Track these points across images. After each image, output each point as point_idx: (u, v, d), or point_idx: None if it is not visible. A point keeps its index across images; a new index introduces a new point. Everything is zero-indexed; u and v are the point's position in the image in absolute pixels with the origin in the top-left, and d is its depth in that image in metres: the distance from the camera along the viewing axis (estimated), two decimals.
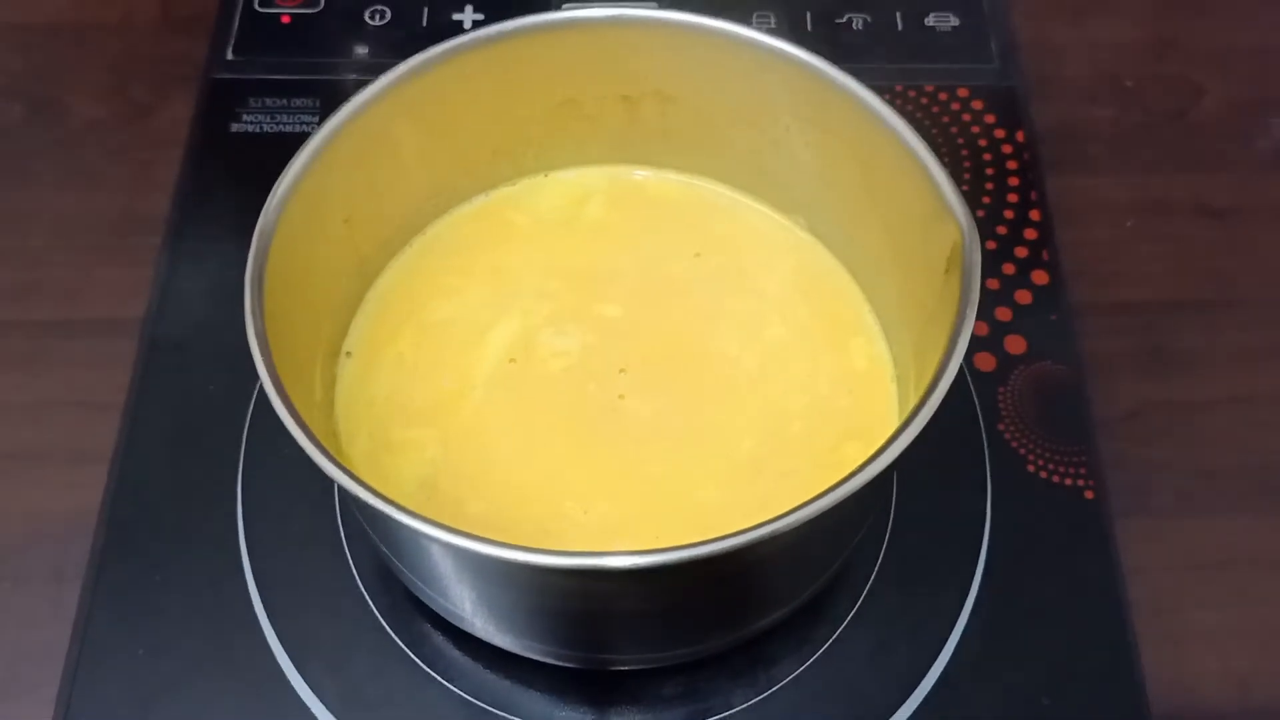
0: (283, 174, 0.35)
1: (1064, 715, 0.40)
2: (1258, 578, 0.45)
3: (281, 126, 0.51)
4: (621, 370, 0.41)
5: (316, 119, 0.51)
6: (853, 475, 0.31)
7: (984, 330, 0.47)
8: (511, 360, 0.41)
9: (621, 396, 0.40)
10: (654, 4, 0.40)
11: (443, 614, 0.38)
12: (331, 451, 0.32)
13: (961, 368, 0.33)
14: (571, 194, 0.45)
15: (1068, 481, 0.44)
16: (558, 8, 0.40)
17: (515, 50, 0.39)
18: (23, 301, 0.51)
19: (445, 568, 0.34)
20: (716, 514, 0.37)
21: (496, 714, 0.39)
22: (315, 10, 0.55)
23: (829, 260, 0.43)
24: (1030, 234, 0.50)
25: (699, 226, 0.44)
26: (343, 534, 0.42)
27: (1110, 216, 0.54)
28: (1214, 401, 0.49)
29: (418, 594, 0.38)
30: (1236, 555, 0.46)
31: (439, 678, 0.40)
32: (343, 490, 0.31)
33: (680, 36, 0.40)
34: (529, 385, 0.40)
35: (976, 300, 0.33)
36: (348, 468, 0.31)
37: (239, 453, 0.44)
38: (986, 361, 0.46)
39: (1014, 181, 0.51)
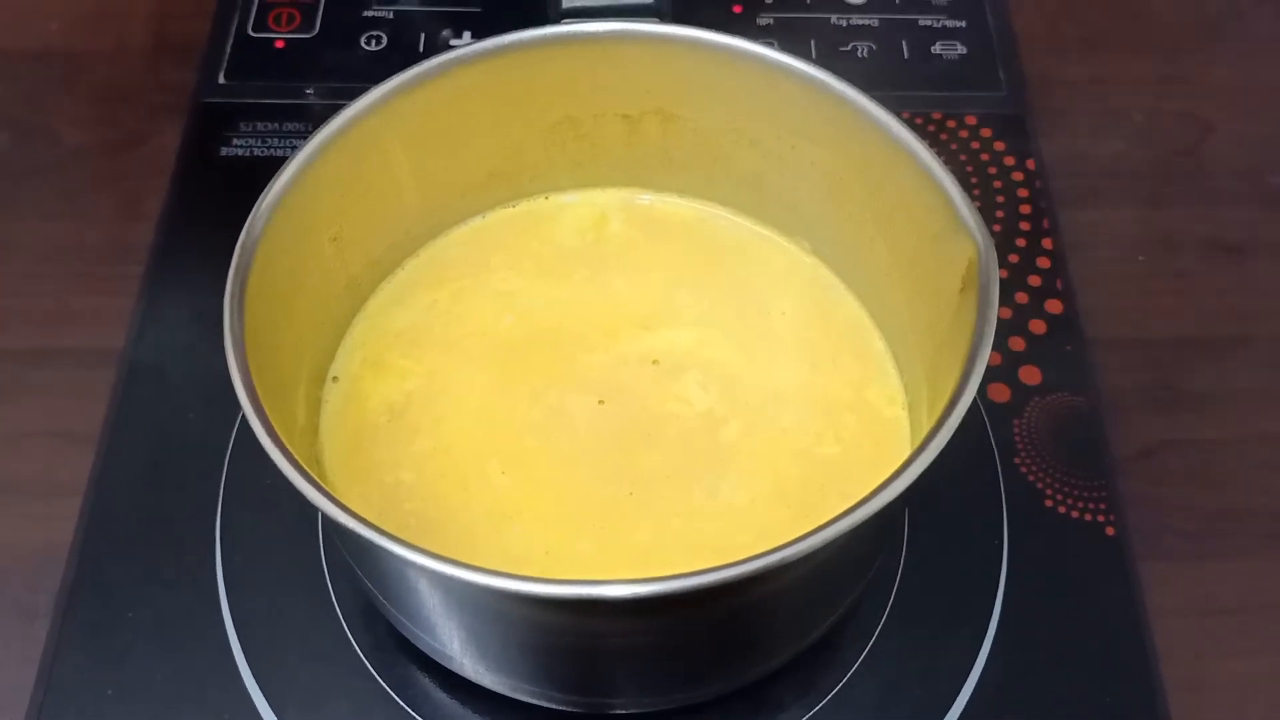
0: (268, 187, 0.34)
1: None
2: (1277, 624, 0.43)
3: (271, 150, 0.49)
4: (613, 366, 0.40)
5: None
6: (862, 503, 0.29)
7: (997, 360, 0.45)
8: (528, 337, 0.41)
9: (601, 402, 0.39)
10: (655, 20, 0.39)
11: (430, 653, 0.36)
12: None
13: (975, 398, 0.31)
14: (588, 216, 0.43)
15: (1087, 517, 0.42)
16: (556, 23, 0.39)
17: (512, 66, 0.38)
18: (2, 330, 0.50)
19: (432, 600, 0.32)
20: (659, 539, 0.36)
21: None
22: (310, 35, 0.53)
23: (836, 285, 0.42)
24: (1043, 262, 0.48)
25: (705, 251, 0.43)
26: (326, 570, 0.40)
27: (1121, 251, 0.53)
28: (1229, 442, 0.48)
29: (404, 632, 0.36)
30: (1256, 600, 0.44)
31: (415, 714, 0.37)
32: (326, 519, 0.29)
33: (684, 52, 0.38)
34: (529, 359, 0.40)
35: (995, 318, 0.32)
36: (331, 493, 0.29)
37: (219, 485, 0.42)
38: (1001, 393, 0.45)
39: (1025, 209, 0.50)
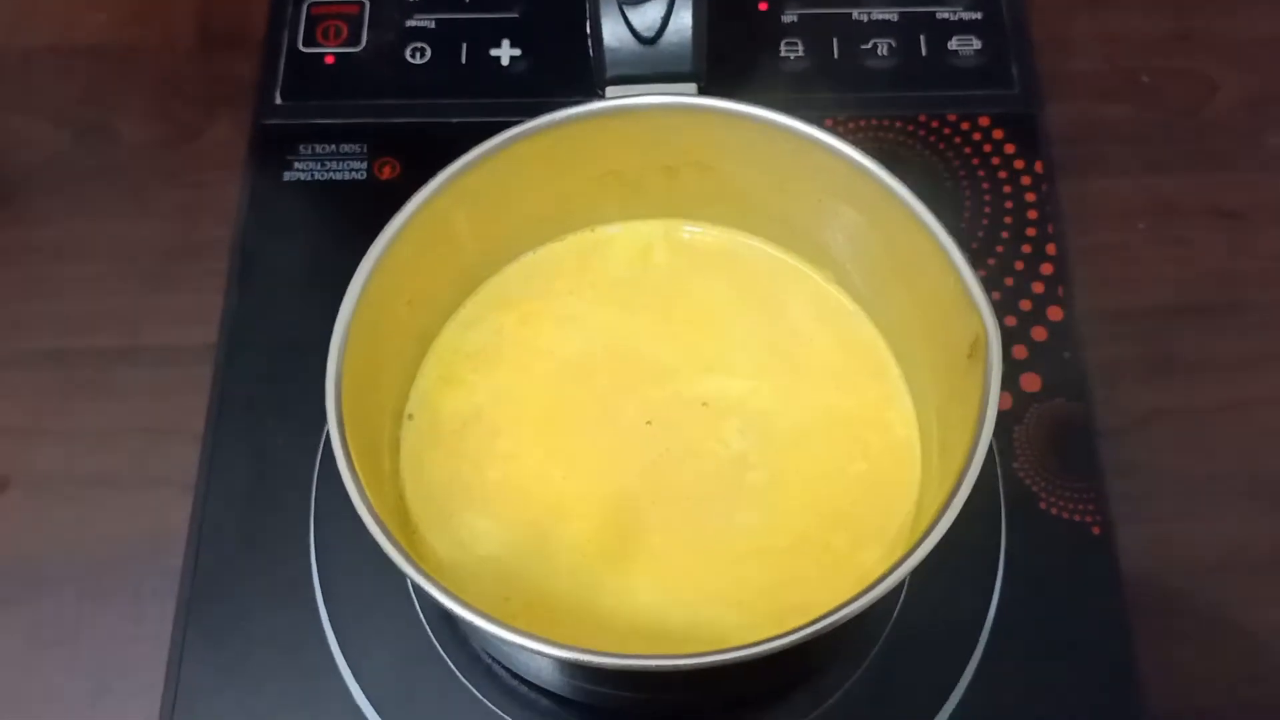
0: (351, 283, 0.38)
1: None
2: (1257, 581, 0.48)
3: (331, 174, 0.53)
4: (667, 400, 0.44)
5: (364, 165, 0.53)
6: (873, 586, 0.35)
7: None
8: (593, 360, 0.45)
9: (649, 423, 0.44)
10: (694, 86, 0.42)
11: (504, 660, 0.42)
12: (401, 522, 0.35)
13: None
14: (633, 247, 0.47)
15: (1076, 518, 0.47)
16: (601, 89, 0.42)
17: (564, 136, 0.42)
18: (86, 330, 0.53)
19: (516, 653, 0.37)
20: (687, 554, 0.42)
21: None
22: (357, 49, 0.56)
23: (858, 314, 0.46)
24: (1046, 269, 0.52)
25: (743, 279, 0.47)
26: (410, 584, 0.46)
27: (1123, 219, 0.56)
28: (1222, 407, 0.51)
29: (478, 645, 0.42)
30: (1238, 559, 0.48)
31: (497, 710, 0.44)
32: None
33: (720, 122, 0.42)
34: (592, 379, 0.45)
35: (996, 402, 0.36)
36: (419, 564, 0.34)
37: (309, 506, 0.47)
38: (1004, 400, 0.49)
39: (1033, 215, 0.53)
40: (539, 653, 0.33)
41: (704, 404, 0.44)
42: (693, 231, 0.47)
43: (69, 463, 0.51)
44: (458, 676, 0.44)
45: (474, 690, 0.44)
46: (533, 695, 0.44)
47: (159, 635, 0.46)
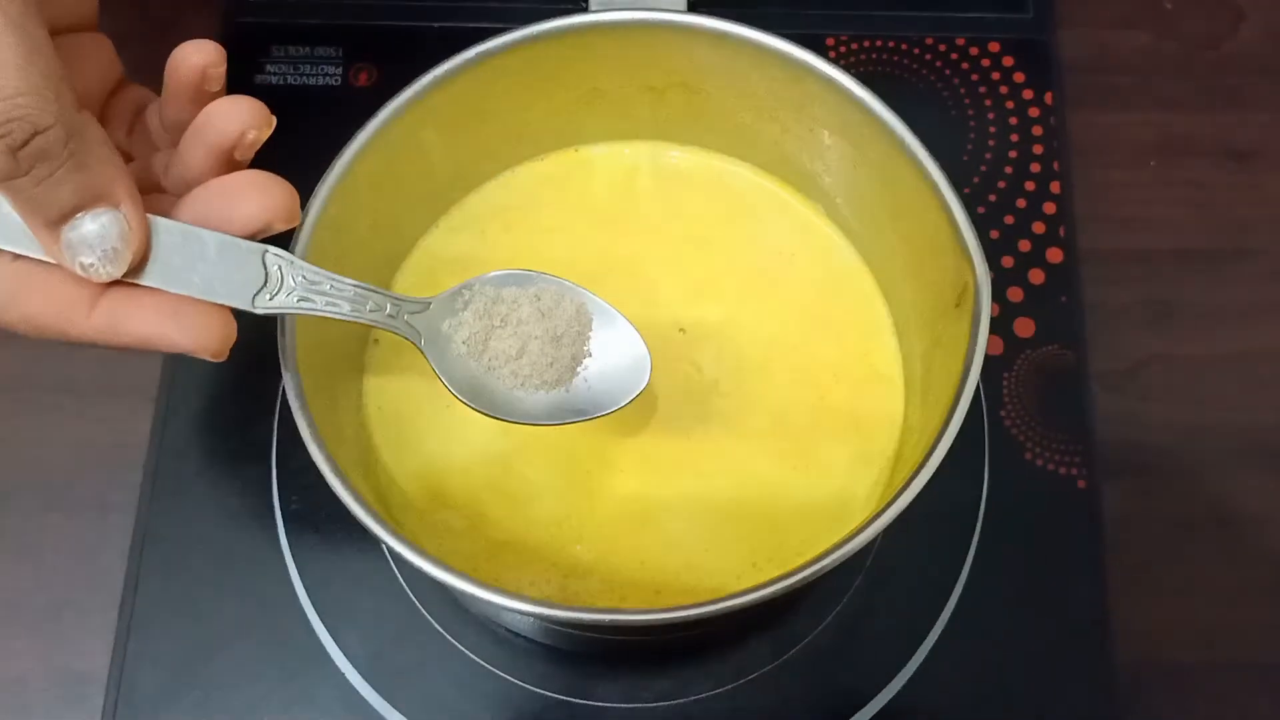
0: (308, 206, 0.36)
1: (1038, 675, 0.43)
2: (1237, 535, 0.47)
3: (305, 79, 0.50)
4: (645, 319, 0.41)
5: (339, 70, 0.50)
6: (833, 551, 0.33)
7: (995, 311, 0.47)
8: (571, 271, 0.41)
9: None
10: (682, 1, 0.39)
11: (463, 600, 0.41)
12: (362, 450, 0.34)
13: None
14: (617, 170, 0.45)
15: (1062, 470, 0.46)
16: (585, 4, 0.39)
17: (541, 52, 0.39)
18: None
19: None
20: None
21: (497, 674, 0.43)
22: None
23: (848, 249, 0.44)
24: (1049, 208, 0.50)
25: (730, 206, 0.45)
26: None
27: (1133, 156, 0.54)
28: (1218, 357, 0.50)
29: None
30: (1220, 512, 0.47)
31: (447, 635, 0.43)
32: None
33: (709, 42, 0.39)
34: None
35: (981, 359, 0.34)
36: (379, 513, 0.33)
37: (272, 421, 0.46)
38: (995, 345, 0.47)
39: (1038, 150, 0.51)
40: (482, 599, 0.32)
41: (681, 330, 0.42)
42: (679, 155, 0.45)
43: (32, 368, 0.50)
44: (409, 597, 0.43)
45: (425, 614, 0.43)
46: (490, 625, 0.43)
47: (122, 548, 0.46)
